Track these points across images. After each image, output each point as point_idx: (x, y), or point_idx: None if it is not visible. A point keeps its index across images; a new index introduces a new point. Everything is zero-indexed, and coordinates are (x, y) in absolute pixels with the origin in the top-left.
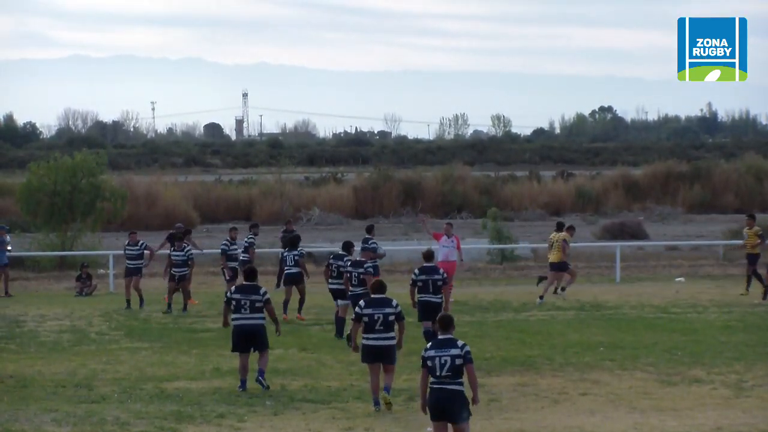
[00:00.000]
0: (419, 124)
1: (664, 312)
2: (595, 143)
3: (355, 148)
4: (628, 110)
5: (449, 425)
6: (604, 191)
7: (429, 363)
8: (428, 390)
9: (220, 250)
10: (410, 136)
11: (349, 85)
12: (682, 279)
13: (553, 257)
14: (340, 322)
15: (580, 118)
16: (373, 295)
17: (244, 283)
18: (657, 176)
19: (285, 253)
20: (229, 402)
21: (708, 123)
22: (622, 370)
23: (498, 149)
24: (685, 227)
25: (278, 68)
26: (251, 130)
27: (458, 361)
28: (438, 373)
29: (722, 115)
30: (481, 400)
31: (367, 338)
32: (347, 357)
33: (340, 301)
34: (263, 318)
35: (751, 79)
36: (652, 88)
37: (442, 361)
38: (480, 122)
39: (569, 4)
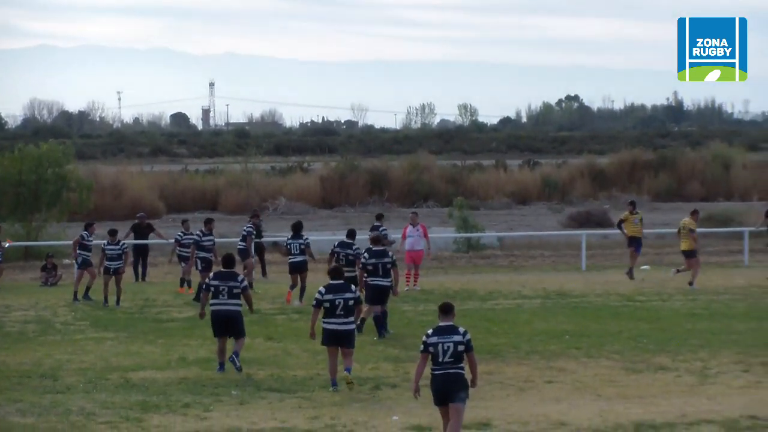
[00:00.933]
0: (386, 114)
1: (629, 300)
2: (562, 132)
3: (321, 138)
4: (594, 99)
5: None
6: (570, 180)
7: (431, 349)
8: (430, 375)
9: (193, 241)
10: (377, 126)
11: (316, 75)
12: (647, 267)
13: (683, 245)
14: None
15: (546, 107)
16: (331, 281)
17: (222, 270)
18: (623, 165)
19: (289, 241)
20: (194, 392)
21: (674, 112)
22: (587, 357)
23: (464, 138)
24: (651, 215)
25: (245, 58)
26: (218, 119)
27: (460, 348)
28: (441, 359)
29: (688, 103)
30: None
31: (328, 323)
32: (313, 346)
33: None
34: (240, 305)
35: None
36: (619, 77)
37: (445, 348)
38: (447, 111)
39: None
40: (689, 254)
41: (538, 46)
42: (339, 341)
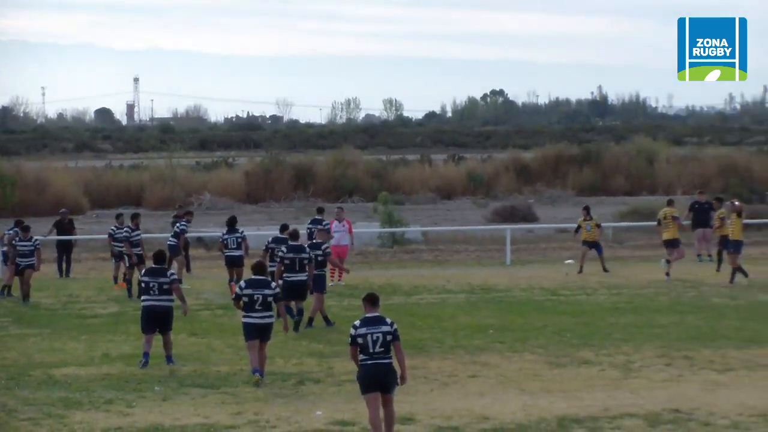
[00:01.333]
0: (311, 109)
1: (553, 294)
2: (486, 127)
3: (246, 133)
4: (519, 94)
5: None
6: (495, 175)
7: (360, 340)
8: (359, 366)
9: (123, 237)
10: (302, 121)
11: (241, 70)
12: (571, 261)
13: (666, 235)
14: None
15: (471, 101)
16: (253, 276)
17: (153, 266)
18: (547, 159)
19: (226, 236)
20: (117, 388)
21: (598, 106)
22: (511, 352)
23: (389, 133)
24: (576, 210)
25: (170, 53)
26: (142, 115)
27: (389, 338)
28: (371, 350)
29: (613, 98)
30: None
31: (248, 316)
32: (237, 342)
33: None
34: (172, 300)
35: (641, 61)
36: (544, 71)
37: (375, 338)
38: (372, 106)
39: None
40: (673, 243)
41: (464, 41)
42: (258, 334)
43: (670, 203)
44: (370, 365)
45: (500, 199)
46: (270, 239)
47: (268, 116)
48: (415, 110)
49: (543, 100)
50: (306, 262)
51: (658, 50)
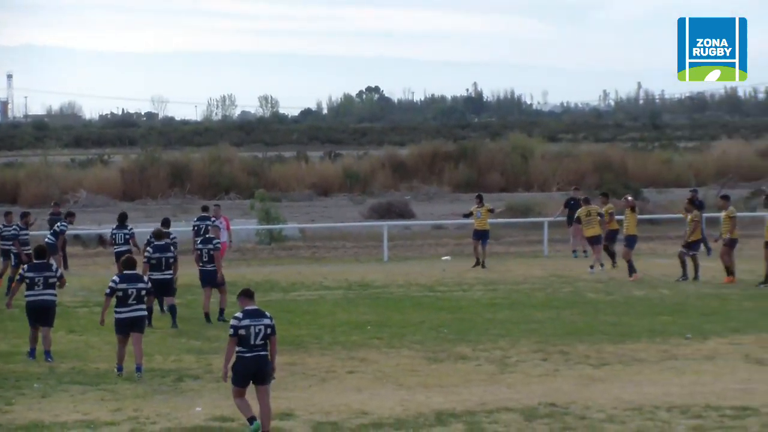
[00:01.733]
0: (187, 106)
1: (430, 290)
2: (362, 124)
3: (121, 130)
4: (394, 91)
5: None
6: (372, 171)
7: (242, 332)
8: (237, 358)
9: (11, 235)
10: (177, 118)
11: (116, 67)
12: (448, 257)
13: (591, 231)
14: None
15: (347, 98)
16: (125, 271)
17: (35, 261)
18: (423, 156)
19: (114, 231)
20: None
21: (474, 103)
22: (389, 348)
23: (265, 130)
24: (452, 206)
25: (44, 50)
26: (16, 112)
27: (269, 331)
28: (252, 342)
29: (488, 95)
30: None
31: (121, 311)
32: (115, 339)
33: None
34: (55, 294)
35: (516, 59)
36: (420, 68)
37: (257, 330)
38: (248, 103)
39: None
40: (596, 240)
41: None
42: (131, 328)
43: (586, 201)
44: (249, 357)
45: (377, 196)
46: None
47: (143, 113)
48: (290, 107)
49: (419, 96)
50: (172, 261)
51: (533, 48)
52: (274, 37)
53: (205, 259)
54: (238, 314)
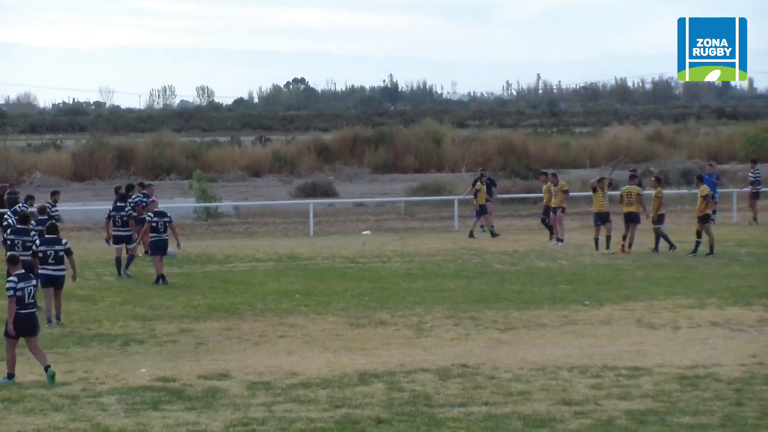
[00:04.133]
0: (131, 95)
1: (352, 262)
2: (290, 111)
3: (73, 118)
4: (318, 82)
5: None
6: (299, 154)
7: (20, 293)
8: (17, 315)
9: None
10: (123, 106)
11: (66, 61)
12: (368, 232)
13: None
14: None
15: (276, 89)
16: (46, 236)
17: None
18: (345, 141)
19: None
20: None
21: (390, 93)
22: (316, 314)
23: (203, 117)
24: (371, 186)
25: (1, 45)
26: None
27: (35, 290)
28: (27, 301)
29: (402, 85)
30: (191, 343)
31: (45, 269)
32: (67, 307)
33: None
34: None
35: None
36: (341, 61)
37: (29, 290)
38: (186, 93)
39: None
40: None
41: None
42: (53, 283)
43: (632, 178)
44: (26, 314)
45: (303, 177)
46: (111, 208)
47: (92, 102)
48: (225, 96)
49: (340, 87)
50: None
51: (442, 44)
52: (209, 34)
53: (161, 230)
54: (14, 278)
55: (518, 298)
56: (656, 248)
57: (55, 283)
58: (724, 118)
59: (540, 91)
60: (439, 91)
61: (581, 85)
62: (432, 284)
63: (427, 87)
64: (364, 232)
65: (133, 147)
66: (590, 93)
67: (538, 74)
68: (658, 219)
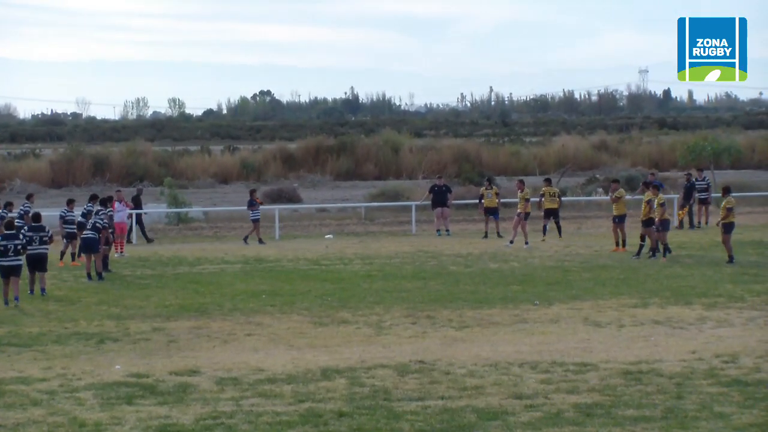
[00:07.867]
0: (106, 107)
1: (316, 264)
2: (257, 122)
3: (51, 128)
4: (284, 93)
5: None
6: (265, 162)
7: (2, 248)
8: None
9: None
10: (99, 117)
11: (45, 74)
12: (330, 236)
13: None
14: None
15: (243, 100)
16: (5, 232)
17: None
18: (309, 149)
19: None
20: None
21: (351, 104)
22: (281, 314)
23: (174, 127)
24: (333, 192)
25: None
26: None
27: (20, 247)
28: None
29: (363, 97)
30: (163, 341)
31: (3, 261)
32: (45, 307)
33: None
34: (48, 248)
35: (386, 66)
36: (305, 74)
37: (9, 246)
38: (158, 104)
39: (231, 3)
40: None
41: (235, 49)
42: (11, 273)
43: (547, 182)
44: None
45: (269, 183)
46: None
47: (69, 113)
48: (195, 108)
49: (304, 98)
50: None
51: (400, 58)
52: (181, 48)
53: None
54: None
55: (472, 298)
56: (668, 251)
57: (13, 273)
58: (665, 128)
59: (492, 103)
60: (398, 103)
61: (531, 97)
62: (391, 285)
63: (386, 99)
64: (326, 236)
65: (109, 155)
66: (540, 104)
67: (491, 87)
68: (661, 224)
